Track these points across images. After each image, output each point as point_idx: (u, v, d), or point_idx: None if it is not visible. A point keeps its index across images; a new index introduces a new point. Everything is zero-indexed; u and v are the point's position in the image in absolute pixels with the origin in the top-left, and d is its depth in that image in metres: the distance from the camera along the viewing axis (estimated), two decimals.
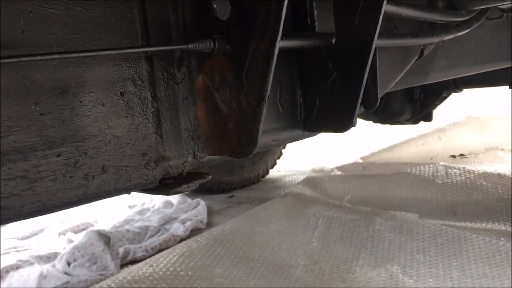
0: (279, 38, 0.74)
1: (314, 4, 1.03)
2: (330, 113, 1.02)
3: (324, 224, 2.56)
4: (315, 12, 1.03)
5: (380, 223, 2.45)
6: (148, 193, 0.86)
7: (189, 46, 0.79)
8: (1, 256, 2.66)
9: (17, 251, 2.74)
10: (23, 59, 0.62)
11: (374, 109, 1.13)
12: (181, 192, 0.85)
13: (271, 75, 0.76)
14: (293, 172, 4.13)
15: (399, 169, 3.11)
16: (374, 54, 1.02)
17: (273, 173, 4.07)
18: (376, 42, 0.94)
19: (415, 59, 1.37)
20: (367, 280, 1.92)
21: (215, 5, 0.83)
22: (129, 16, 0.79)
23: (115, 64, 0.77)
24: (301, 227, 2.56)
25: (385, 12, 0.95)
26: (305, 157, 4.41)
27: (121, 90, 0.78)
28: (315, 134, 1.15)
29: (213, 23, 0.84)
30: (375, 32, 0.92)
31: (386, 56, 1.22)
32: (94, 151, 0.74)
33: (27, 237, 2.99)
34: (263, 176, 3.97)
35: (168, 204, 3.34)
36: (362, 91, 0.95)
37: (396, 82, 1.32)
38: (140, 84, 0.81)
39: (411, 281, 1.84)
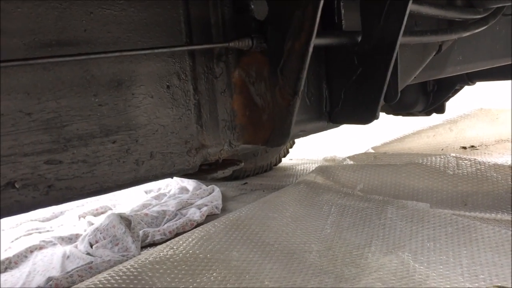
0: (313, 38, 0.81)
1: (341, 4, 1.09)
2: (354, 106, 1.08)
3: (337, 212, 2.57)
4: (343, 11, 1.10)
5: (391, 212, 2.45)
6: (187, 178, 0.93)
7: (230, 44, 0.86)
8: (24, 237, 2.71)
9: (39, 232, 2.78)
10: (89, 56, 0.69)
11: (394, 102, 1.19)
12: (217, 178, 0.92)
13: (305, 72, 0.83)
14: (305, 161, 4.11)
15: (411, 160, 3.07)
16: None
17: (285, 161, 4.05)
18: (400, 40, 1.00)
19: (433, 54, 1.42)
20: (379, 266, 1.94)
21: (252, 6, 0.90)
22: (175, 16, 0.87)
23: (163, 60, 0.85)
24: (315, 214, 2.57)
25: None
26: (316, 146, 4.39)
27: (167, 83, 0.86)
28: (339, 126, 1.21)
29: (250, 22, 0.90)
30: (399, 31, 0.98)
31: (406, 52, 1.28)
32: (144, 138, 0.82)
33: (48, 219, 3.04)
34: (276, 164, 3.98)
35: (184, 190, 3.38)
36: (385, 86, 1.01)
37: (415, 77, 1.38)
38: (184, 78, 0.88)
39: (421, 267, 1.85)
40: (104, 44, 0.77)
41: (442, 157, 3.01)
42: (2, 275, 2.32)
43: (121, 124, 0.79)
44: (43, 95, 0.71)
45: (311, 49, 0.82)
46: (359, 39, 1.05)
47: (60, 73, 0.73)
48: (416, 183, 2.79)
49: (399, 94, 1.17)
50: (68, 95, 0.73)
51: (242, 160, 0.97)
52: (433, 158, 2.99)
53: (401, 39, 1.10)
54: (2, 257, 2.38)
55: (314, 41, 0.90)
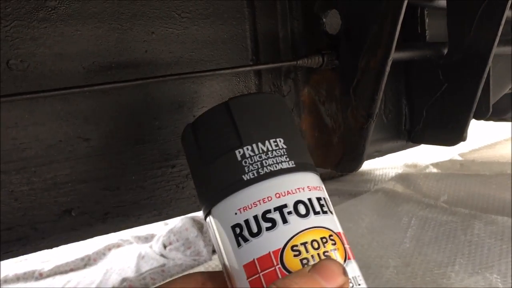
0: (391, 55, 0.72)
1: (426, 12, 0.99)
2: (438, 125, 0.98)
3: (417, 225, 2.43)
4: (427, 20, 0.99)
5: (479, 227, 2.28)
6: None
7: (298, 62, 0.80)
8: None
9: None
10: (148, 80, 0.66)
11: (484, 118, 1.07)
12: None
13: (381, 93, 0.75)
14: (385, 166, 3.97)
15: (502, 169, 2.86)
16: None
17: (363, 165, 3.95)
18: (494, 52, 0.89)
19: None
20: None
21: (324, 19, 0.83)
22: (241, 32, 0.82)
23: (226, 79, 0.80)
24: (393, 226, 2.45)
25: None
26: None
27: None
28: (419, 145, 1.11)
29: (322, 37, 0.83)
30: (493, 43, 0.86)
31: (499, 63, 1.14)
32: None
33: None
34: None
35: None
36: (475, 104, 0.90)
37: (510, 88, 1.24)
38: None
39: None
40: (166, 65, 0.74)
41: None
42: (81, 271, 2.42)
43: (180, 148, 0.76)
44: (101, 120, 0.70)
45: (388, 68, 0.74)
46: (445, 51, 0.94)
47: (119, 97, 0.71)
48: (508, 196, 2.53)
49: (490, 110, 1.05)
50: (127, 119, 0.71)
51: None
52: None
53: (496, 51, 0.97)
54: (82, 254, 2.48)
55: (393, 55, 0.81)
